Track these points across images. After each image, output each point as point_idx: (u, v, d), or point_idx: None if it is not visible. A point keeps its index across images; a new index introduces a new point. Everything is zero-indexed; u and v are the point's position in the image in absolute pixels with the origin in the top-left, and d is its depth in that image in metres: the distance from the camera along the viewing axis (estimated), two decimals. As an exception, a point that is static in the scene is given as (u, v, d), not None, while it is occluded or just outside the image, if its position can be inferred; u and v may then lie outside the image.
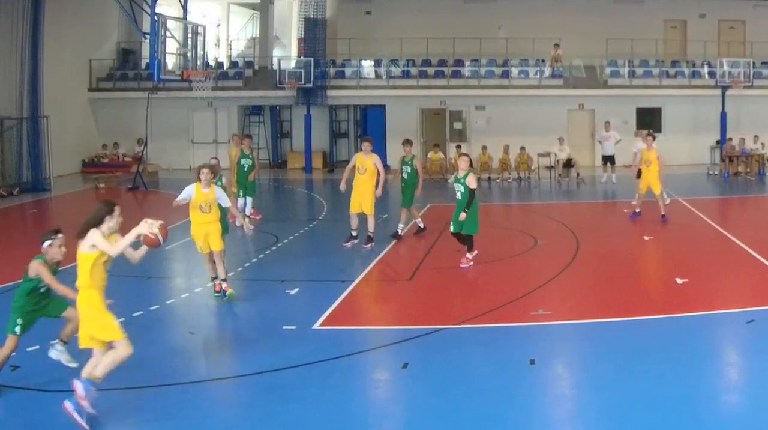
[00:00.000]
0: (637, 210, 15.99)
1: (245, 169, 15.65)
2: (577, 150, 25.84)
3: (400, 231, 14.23)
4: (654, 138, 16.10)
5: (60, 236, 7.10)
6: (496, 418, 6.52)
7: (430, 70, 28.52)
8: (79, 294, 6.42)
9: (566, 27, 28.19)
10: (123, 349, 6.34)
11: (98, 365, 6.35)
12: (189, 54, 19.95)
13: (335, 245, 13.96)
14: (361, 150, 13.69)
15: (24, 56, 22.67)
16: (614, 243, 14.05)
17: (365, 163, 13.39)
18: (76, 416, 6.19)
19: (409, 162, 14.21)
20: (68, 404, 6.21)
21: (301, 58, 28.27)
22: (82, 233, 6.32)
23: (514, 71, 28.23)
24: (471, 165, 12.10)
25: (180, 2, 20.90)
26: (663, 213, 15.57)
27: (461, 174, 11.67)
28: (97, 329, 6.35)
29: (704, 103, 27.14)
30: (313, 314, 9.45)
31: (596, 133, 26.47)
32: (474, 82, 28.24)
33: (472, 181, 11.56)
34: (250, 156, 15.89)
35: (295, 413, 6.65)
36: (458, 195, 11.69)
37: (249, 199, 15.86)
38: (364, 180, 13.37)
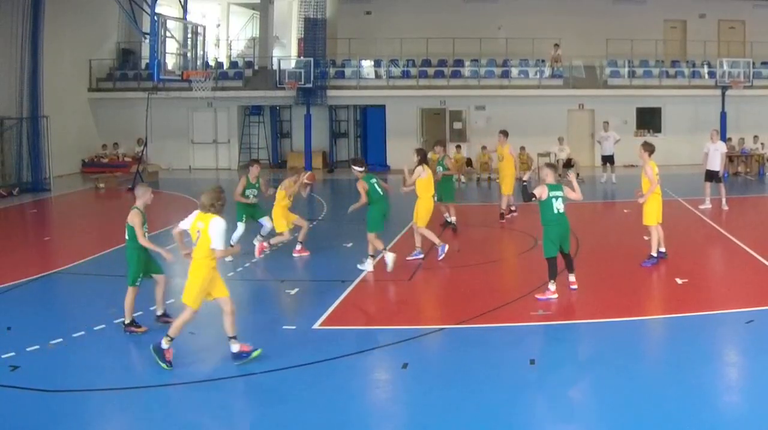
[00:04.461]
0: (654, 254, 11.81)
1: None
2: (576, 150, 25.82)
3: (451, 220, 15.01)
4: (651, 152, 11.69)
5: None
6: (496, 418, 6.52)
7: (430, 70, 28.51)
8: None
9: (566, 27, 28.18)
10: None
11: None
12: (189, 54, 19.92)
13: (335, 245, 13.96)
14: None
15: (24, 56, 22.66)
16: (614, 243, 14.04)
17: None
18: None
19: (441, 161, 14.66)
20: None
21: (301, 58, 28.25)
22: None
23: (514, 71, 28.21)
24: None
25: (180, 2, 20.86)
26: (653, 253, 11.77)
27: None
28: None
29: (704, 103, 27.10)
30: (313, 314, 9.46)
31: (596, 133, 26.46)
32: (474, 82, 28.22)
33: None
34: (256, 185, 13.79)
35: (295, 414, 6.65)
36: (562, 208, 10.28)
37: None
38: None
